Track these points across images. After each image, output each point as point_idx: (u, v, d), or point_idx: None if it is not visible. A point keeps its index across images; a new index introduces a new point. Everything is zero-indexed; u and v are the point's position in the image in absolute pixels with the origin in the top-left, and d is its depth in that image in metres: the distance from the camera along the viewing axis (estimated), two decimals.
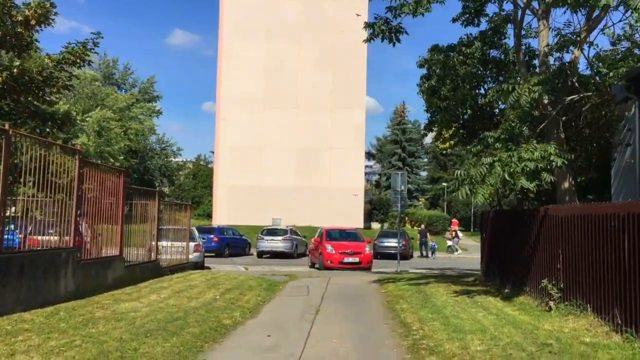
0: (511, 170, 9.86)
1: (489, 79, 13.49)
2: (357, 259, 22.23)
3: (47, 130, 13.53)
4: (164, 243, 17.80)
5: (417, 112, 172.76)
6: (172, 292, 11.94)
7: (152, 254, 15.11)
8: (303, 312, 11.00)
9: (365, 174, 61.87)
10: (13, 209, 10.06)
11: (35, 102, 13.20)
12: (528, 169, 9.75)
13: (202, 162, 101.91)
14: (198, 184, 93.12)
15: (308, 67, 49.78)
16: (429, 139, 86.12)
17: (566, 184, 12.11)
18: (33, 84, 12.87)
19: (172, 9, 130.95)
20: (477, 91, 13.98)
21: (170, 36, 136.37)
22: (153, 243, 15.18)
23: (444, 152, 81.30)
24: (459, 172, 10.36)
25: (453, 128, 15.19)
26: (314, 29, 49.67)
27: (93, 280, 11.35)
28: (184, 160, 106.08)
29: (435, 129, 15.46)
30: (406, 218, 53.50)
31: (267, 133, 49.22)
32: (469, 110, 14.24)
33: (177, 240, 18.48)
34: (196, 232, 21.33)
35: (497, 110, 14.03)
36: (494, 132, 11.87)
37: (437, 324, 9.10)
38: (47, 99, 13.65)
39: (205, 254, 30.80)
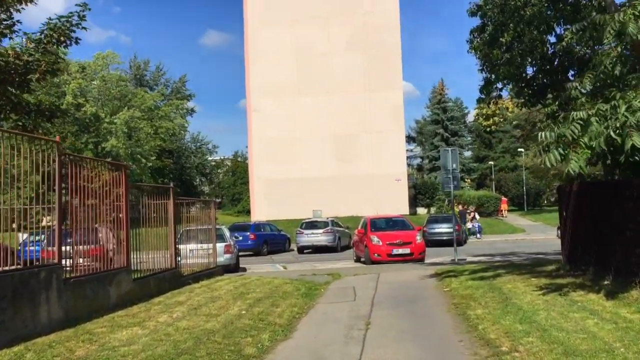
0: (618, 124, 7.22)
1: (563, 21, 10.76)
2: (407, 250, 19.70)
3: (30, 122, 11.44)
4: (186, 246, 15.79)
5: (456, 91, 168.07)
6: (187, 309, 9.73)
7: (171, 260, 12.98)
8: (349, 326, 8.64)
9: (407, 158, 58.92)
10: None
11: (15, 92, 11.12)
12: None
13: (239, 158, 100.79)
14: (237, 180, 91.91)
15: (339, 50, 47.14)
16: (471, 117, 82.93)
17: None
18: (12, 70, 10.81)
19: (202, 10, 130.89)
20: (547, 37, 11.28)
21: (204, 37, 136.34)
22: (171, 248, 13.04)
23: (488, 129, 77.73)
24: (544, 134, 7.77)
25: (515, 89, 12.48)
26: (342, 9, 46.96)
27: (89, 301, 9.23)
28: (222, 157, 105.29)
29: (495, 90, 12.76)
30: (454, 200, 50.42)
31: (301, 121, 46.89)
32: (539, 61, 11.52)
33: (202, 242, 16.40)
34: (226, 231, 19.20)
35: (577, 56, 11.26)
36: (578, 81, 9.19)
37: (535, 339, 6.60)
38: (31, 87, 11.54)
39: (242, 254, 28.95)
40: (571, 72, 11.60)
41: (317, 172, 46.45)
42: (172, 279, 12.55)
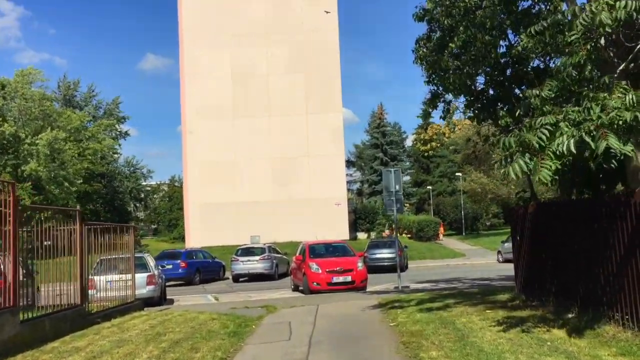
0: (592, 127, 6.19)
1: (516, 27, 9.81)
2: (348, 278, 18.35)
3: None
4: (103, 278, 13.91)
5: (395, 117, 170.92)
6: (85, 359, 7.97)
7: (76, 296, 11.11)
8: None
9: (347, 182, 58.12)
10: None
11: None
12: (621, 121, 6.10)
13: (176, 183, 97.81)
14: (174, 206, 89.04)
15: (278, 70, 46.06)
16: (409, 141, 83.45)
17: None
18: None
19: (141, 34, 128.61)
20: (499, 42, 10.33)
21: (143, 61, 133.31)
22: (77, 281, 11.17)
23: (426, 154, 78.31)
24: (506, 140, 6.64)
25: (465, 101, 11.50)
26: (282, 29, 46.02)
27: None
28: (158, 182, 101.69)
29: (442, 103, 11.73)
30: (393, 225, 49.85)
31: (239, 144, 45.27)
32: (490, 70, 10.54)
33: (121, 272, 14.53)
34: (149, 260, 17.29)
35: (531, 67, 10.34)
36: (537, 89, 8.19)
37: None
38: None
39: (172, 283, 26.90)
40: (523, 86, 10.66)
41: (255, 196, 44.83)
42: (76, 318, 10.68)
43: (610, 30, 6.58)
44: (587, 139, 6.22)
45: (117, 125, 68.77)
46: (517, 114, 9.00)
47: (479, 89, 11.10)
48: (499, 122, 10.22)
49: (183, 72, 46.78)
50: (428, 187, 70.61)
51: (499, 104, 11.43)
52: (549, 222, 9.61)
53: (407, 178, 75.33)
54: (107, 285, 13.98)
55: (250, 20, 45.84)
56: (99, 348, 8.70)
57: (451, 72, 10.30)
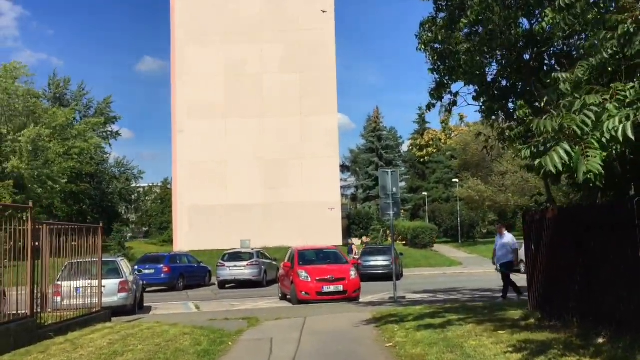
0: None
1: (542, 1, 8.39)
2: (340, 287, 16.91)
3: None
4: (66, 284, 12.51)
5: (390, 123, 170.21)
6: None
7: (26, 306, 9.64)
8: None
9: (341, 187, 56.59)
10: None
11: None
12: None
13: (168, 186, 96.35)
14: (165, 208, 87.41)
15: (272, 69, 44.65)
16: (405, 147, 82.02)
17: None
18: None
19: (138, 36, 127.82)
20: (520, 19, 8.93)
21: (139, 63, 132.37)
22: (26, 289, 9.69)
23: (422, 159, 76.98)
24: (541, 123, 5.28)
25: (475, 89, 10.12)
26: (276, 27, 44.64)
27: None
28: (151, 184, 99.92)
29: (446, 94, 10.36)
30: (388, 231, 48.45)
31: (229, 144, 43.78)
32: (509, 52, 9.12)
33: (89, 278, 13.09)
34: (122, 265, 15.81)
35: (554, 50, 8.97)
36: (567, 73, 6.83)
37: None
38: None
39: (154, 289, 25.41)
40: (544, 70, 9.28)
41: (246, 199, 43.37)
42: (23, 332, 9.20)
43: None
44: None
45: (108, 125, 67.24)
46: (541, 104, 7.59)
47: (491, 77, 9.72)
48: (516, 113, 8.83)
49: (174, 69, 45.32)
50: (424, 193, 69.30)
51: (512, 95, 10.05)
52: (576, 230, 8.22)
53: (402, 184, 73.84)
54: (75, 292, 12.60)
55: (243, 17, 44.47)
56: None
57: (462, 54, 8.91)
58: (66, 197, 49.66)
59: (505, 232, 15.67)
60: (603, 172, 4.96)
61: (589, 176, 4.85)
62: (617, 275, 7.20)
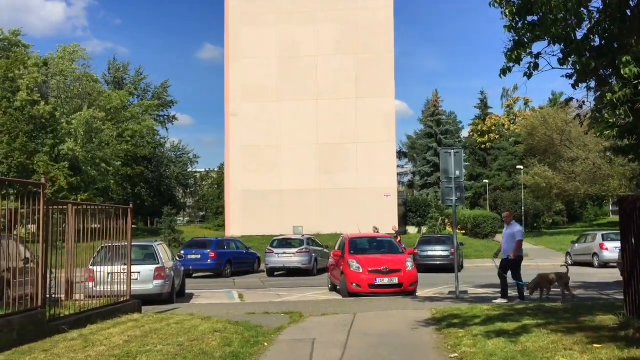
0: None
1: None
2: (395, 280, 15.29)
3: None
4: (98, 269, 11.51)
5: (450, 106, 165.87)
6: None
7: (36, 296, 8.52)
8: None
9: (397, 174, 54.55)
10: None
11: None
12: None
13: (224, 171, 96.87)
14: (221, 193, 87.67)
15: (327, 51, 43.02)
16: (465, 133, 78.78)
17: None
18: None
19: (201, 24, 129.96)
20: None
21: (201, 51, 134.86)
22: (38, 277, 8.57)
23: (483, 146, 73.76)
24: None
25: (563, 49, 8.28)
26: (332, 7, 42.95)
27: None
28: (207, 169, 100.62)
29: (525, 56, 8.55)
30: (446, 220, 46.27)
31: (283, 128, 42.58)
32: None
33: (119, 263, 12.02)
34: (159, 250, 14.69)
35: None
36: None
37: None
38: None
39: (200, 275, 24.54)
40: None
41: (299, 184, 42.14)
42: (30, 325, 8.08)
43: None
44: None
45: (164, 109, 67.53)
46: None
47: (589, 26, 7.82)
48: (622, 71, 6.96)
49: (227, 52, 44.42)
50: (485, 180, 66.36)
51: (610, 53, 8.11)
52: None
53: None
54: (109, 278, 11.55)
55: None
56: None
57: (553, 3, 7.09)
58: (122, 180, 49.83)
59: (514, 222, 14.55)
60: None
61: None
62: None
